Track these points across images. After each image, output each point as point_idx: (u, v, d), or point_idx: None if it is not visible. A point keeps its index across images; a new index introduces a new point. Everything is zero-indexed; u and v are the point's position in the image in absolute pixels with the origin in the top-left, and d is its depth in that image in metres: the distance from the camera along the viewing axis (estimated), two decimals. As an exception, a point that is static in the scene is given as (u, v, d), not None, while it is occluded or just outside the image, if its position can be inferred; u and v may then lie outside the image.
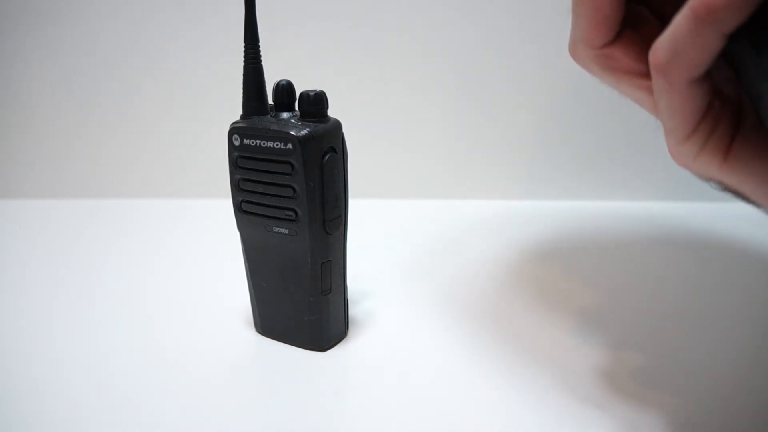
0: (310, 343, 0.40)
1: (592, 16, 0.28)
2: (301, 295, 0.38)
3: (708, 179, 0.28)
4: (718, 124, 0.26)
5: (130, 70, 0.72)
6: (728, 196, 0.28)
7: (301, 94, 0.36)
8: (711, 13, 0.22)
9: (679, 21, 0.23)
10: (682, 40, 0.23)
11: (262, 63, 0.36)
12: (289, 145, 0.35)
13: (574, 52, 0.30)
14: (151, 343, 0.41)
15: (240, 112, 0.37)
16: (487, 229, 0.63)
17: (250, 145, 0.36)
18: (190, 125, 0.73)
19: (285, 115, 0.37)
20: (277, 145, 0.35)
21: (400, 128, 0.71)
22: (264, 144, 0.36)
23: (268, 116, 0.37)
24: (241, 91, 0.37)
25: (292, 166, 0.35)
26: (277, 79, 0.37)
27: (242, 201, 0.38)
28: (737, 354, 0.40)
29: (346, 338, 0.41)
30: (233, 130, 0.37)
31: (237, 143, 0.37)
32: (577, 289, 0.50)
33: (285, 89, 0.37)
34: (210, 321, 0.44)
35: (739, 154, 0.26)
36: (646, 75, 0.28)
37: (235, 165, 0.37)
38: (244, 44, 0.36)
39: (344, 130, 0.37)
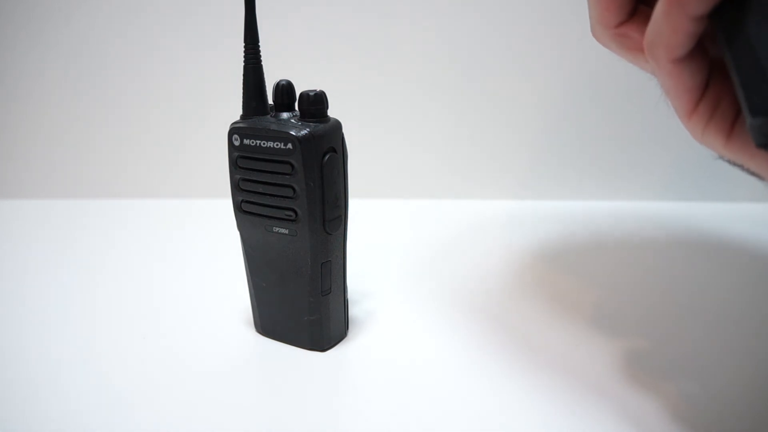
0: (310, 343, 0.40)
1: None
2: (301, 295, 0.38)
3: (717, 155, 0.29)
4: (720, 104, 0.27)
5: (130, 70, 0.72)
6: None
7: (301, 94, 0.36)
8: None
9: (658, 4, 0.25)
10: (660, 23, 0.25)
11: (262, 63, 0.36)
12: (289, 145, 0.35)
13: (593, 32, 0.31)
14: (150, 343, 0.41)
15: (240, 112, 0.37)
16: (487, 230, 0.63)
17: (250, 145, 0.36)
18: (190, 125, 0.73)
19: (285, 115, 0.37)
20: (277, 145, 0.35)
21: (401, 128, 0.71)
22: (264, 144, 0.36)
23: (268, 116, 0.37)
24: (241, 91, 0.37)
25: (292, 166, 0.35)
26: (277, 79, 0.37)
27: (242, 201, 0.38)
28: (745, 353, 0.40)
29: (346, 338, 0.41)
30: (233, 130, 0.37)
31: (237, 143, 0.37)
32: (579, 288, 0.50)
33: (285, 89, 0.37)
34: (210, 321, 0.44)
35: (741, 134, 0.26)
36: None
37: (235, 165, 0.37)
38: (244, 44, 0.36)
39: (344, 130, 0.37)
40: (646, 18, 0.27)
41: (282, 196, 0.36)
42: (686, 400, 0.35)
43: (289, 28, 0.69)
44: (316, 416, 0.34)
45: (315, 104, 0.36)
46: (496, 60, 0.69)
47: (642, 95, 0.35)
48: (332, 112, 0.37)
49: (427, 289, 0.49)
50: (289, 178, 0.36)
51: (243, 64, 0.36)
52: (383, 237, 0.61)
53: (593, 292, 0.49)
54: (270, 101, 0.38)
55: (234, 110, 0.38)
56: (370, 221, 0.62)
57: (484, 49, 0.69)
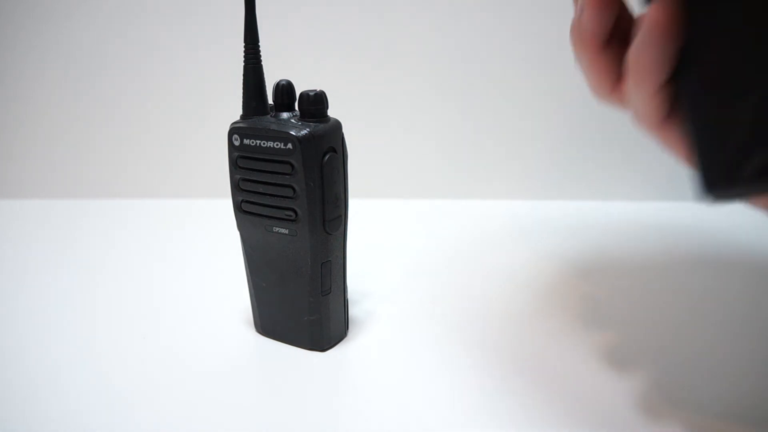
0: (310, 343, 0.40)
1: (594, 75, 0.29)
2: (301, 295, 0.38)
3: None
4: None
5: (130, 70, 0.72)
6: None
7: (301, 94, 0.36)
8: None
9: (627, 82, 0.26)
10: (632, 96, 0.27)
11: (262, 63, 0.36)
12: (289, 145, 0.35)
13: (595, 96, 0.31)
14: (150, 343, 0.41)
15: (240, 112, 0.37)
16: (488, 230, 0.63)
17: (250, 145, 0.36)
18: (190, 125, 0.73)
19: (285, 115, 0.37)
20: (277, 145, 0.35)
21: (401, 128, 0.71)
22: (264, 144, 0.36)
23: (268, 116, 0.37)
24: (241, 91, 0.37)
25: (292, 166, 0.35)
26: (277, 79, 0.37)
27: (242, 201, 0.38)
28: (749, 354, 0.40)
29: (346, 338, 0.41)
30: (233, 130, 0.37)
31: (237, 143, 0.37)
32: (583, 289, 0.49)
33: (285, 89, 0.37)
34: (210, 321, 0.44)
35: None
36: None
37: (235, 165, 0.37)
38: (244, 44, 0.36)
39: (344, 130, 0.37)
40: None
41: (282, 196, 0.36)
42: (705, 412, 0.35)
43: (289, 28, 0.68)
44: (316, 416, 0.34)
45: (315, 104, 0.36)
46: (499, 59, 0.69)
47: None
48: (332, 112, 0.37)
49: (427, 289, 0.49)
50: (289, 178, 0.36)
51: (243, 64, 0.36)
52: (383, 237, 0.61)
53: (597, 293, 0.49)
54: (270, 101, 0.38)
55: (234, 110, 0.38)
56: (370, 221, 0.62)
57: (484, 49, 0.68)
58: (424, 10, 0.68)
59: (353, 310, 0.44)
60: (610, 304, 0.47)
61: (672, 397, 0.35)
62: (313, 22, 0.69)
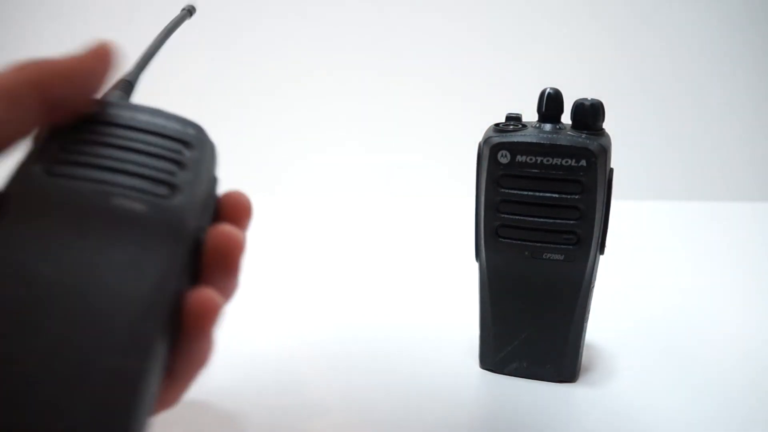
0: (557, 375, 0.36)
1: None
2: (560, 322, 0.35)
3: None
4: None
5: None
6: None
7: (577, 104, 0.33)
8: None
9: None
10: None
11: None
12: (582, 162, 0.31)
13: None
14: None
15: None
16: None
17: (526, 162, 0.32)
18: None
19: (548, 126, 0.33)
20: (565, 162, 0.32)
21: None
22: (548, 161, 0.32)
23: (530, 128, 0.33)
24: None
25: (582, 185, 0.32)
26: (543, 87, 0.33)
27: (500, 225, 0.33)
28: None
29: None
30: (499, 146, 0.32)
31: (505, 160, 0.32)
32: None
33: (553, 98, 0.33)
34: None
35: None
36: None
37: (496, 184, 0.33)
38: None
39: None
40: None
41: (562, 219, 0.32)
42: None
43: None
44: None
45: (593, 115, 0.32)
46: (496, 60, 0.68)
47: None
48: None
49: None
50: (575, 199, 0.32)
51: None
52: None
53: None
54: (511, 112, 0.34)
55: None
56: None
57: (484, 49, 0.67)
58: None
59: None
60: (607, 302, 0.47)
61: None
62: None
